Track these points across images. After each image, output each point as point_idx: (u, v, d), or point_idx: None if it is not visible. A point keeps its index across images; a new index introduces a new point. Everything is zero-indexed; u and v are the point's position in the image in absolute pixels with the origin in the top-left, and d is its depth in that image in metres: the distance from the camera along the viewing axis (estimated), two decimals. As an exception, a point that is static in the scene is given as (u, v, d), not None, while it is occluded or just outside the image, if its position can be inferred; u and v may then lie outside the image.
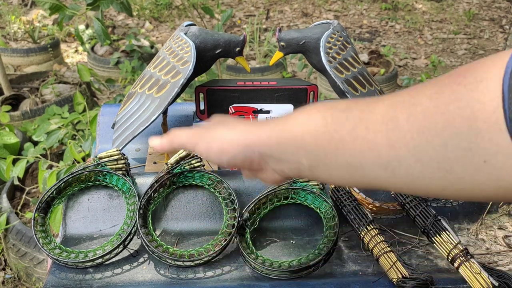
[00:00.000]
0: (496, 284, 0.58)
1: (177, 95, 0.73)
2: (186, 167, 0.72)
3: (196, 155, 0.73)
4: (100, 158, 0.73)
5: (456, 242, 0.63)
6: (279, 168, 0.45)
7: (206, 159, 0.49)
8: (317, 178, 0.45)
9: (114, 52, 3.13)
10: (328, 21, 0.81)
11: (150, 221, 0.69)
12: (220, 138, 0.47)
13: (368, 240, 0.65)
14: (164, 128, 0.84)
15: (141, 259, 0.67)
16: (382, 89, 0.85)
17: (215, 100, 0.83)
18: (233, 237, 0.67)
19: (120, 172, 0.73)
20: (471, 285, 0.59)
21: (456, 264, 0.61)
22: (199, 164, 0.73)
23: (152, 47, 3.14)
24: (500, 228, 0.73)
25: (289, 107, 0.82)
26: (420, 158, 0.35)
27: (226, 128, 0.47)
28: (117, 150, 0.73)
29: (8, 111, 2.29)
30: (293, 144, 0.43)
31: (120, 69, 2.86)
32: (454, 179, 0.35)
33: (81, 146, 1.49)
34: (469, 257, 0.61)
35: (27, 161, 1.45)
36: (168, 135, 0.52)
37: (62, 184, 0.71)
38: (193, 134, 0.50)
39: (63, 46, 3.61)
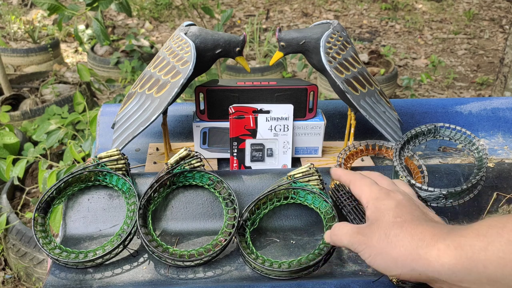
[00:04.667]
0: (496, 284, 0.58)
1: (177, 95, 0.73)
2: (186, 167, 0.72)
3: (196, 155, 0.73)
4: (100, 158, 0.73)
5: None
6: None
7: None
8: None
9: (114, 52, 3.13)
10: (328, 21, 0.81)
11: (150, 221, 0.69)
12: (384, 255, 0.45)
13: (368, 240, 0.65)
14: (164, 128, 0.84)
15: (141, 259, 0.67)
16: (382, 89, 0.85)
17: (215, 100, 0.83)
18: (233, 237, 0.67)
19: (120, 172, 0.73)
20: (471, 285, 0.59)
21: (456, 264, 0.61)
22: (199, 164, 0.73)
23: (152, 47, 3.14)
24: (500, 228, 0.73)
25: (289, 107, 0.82)
26: None
27: (390, 243, 0.45)
28: (117, 150, 0.73)
29: (8, 111, 2.30)
30: (473, 274, 0.40)
31: (120, 69, 2.86)
32: None
33: (81, 146, 1.49)
34: (469, 257, 0.61)
35: (27, 161, 1.45)
36: (332, 232, 0.52)
37: (62, 184, 0.71)
38: (357, 239, 0.48)
39: (63, 46, 3.62)
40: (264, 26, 4.11)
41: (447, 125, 0.79)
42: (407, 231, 0.45)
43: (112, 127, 0.81)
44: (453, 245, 0.41)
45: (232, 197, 0.70)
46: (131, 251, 0.67)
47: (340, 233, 0.50)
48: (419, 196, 0.69)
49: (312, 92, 0.84)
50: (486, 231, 0.41)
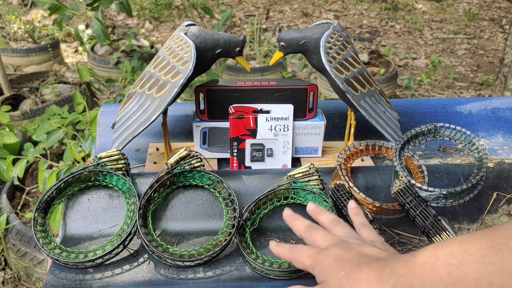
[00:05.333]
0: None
1: (177, 95, 0.73)
2: (186, 167, 0.72)
3: (196, 155, 0.73)
4: (100, 158, 0.73)
5: (456, 242, 0.63)
6: None
7: None
8: None
9: (114, 52, 3.13)
10: (328, 21, 0.81)
11: (150, 221, 0.69)
12: None
13: (368, 240, 0.65)
14: (164, 128, 0.84)
15: (141, 259, 0.67)
16: (382, 89, 0.85)
17: (215, 100, 0.83)
18: (233, 237, 0.67)
19: (120, 172, 0.73)
20: (471, 285, 0.59)
21: (456, 264, 0.61)
22: (199, 164, 0.73)
23: (152, 47, 3.14)
24: (500, 228, 0.73)
25: (289, 107, 0.82)
26: None
27: None
28: (117, 150, 0.73)
29: (8, 111, 2.30)
30: None
31: (120, 69, 2.86)
32: None
33: (81, 146, 1.49)
34: (469, 257, 0.61)
35: (27, 161, 1.45)
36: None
37: (62, 184, 0.71)
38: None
39: (63, 46, 3.62)
40: (264, 26, 4.11)
41: (447, 125, 0.79)
42: (353, 280, 0.49)
43: (112, 127, 0.81)
44: (397, 286, 0.45)
45: (232, 197, 0.70)
46: (131, 251, 0.67)
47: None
48: (417, 197, 0.69)
49: (312, 92, 0.84)
50: (421, 269, 0.44)
